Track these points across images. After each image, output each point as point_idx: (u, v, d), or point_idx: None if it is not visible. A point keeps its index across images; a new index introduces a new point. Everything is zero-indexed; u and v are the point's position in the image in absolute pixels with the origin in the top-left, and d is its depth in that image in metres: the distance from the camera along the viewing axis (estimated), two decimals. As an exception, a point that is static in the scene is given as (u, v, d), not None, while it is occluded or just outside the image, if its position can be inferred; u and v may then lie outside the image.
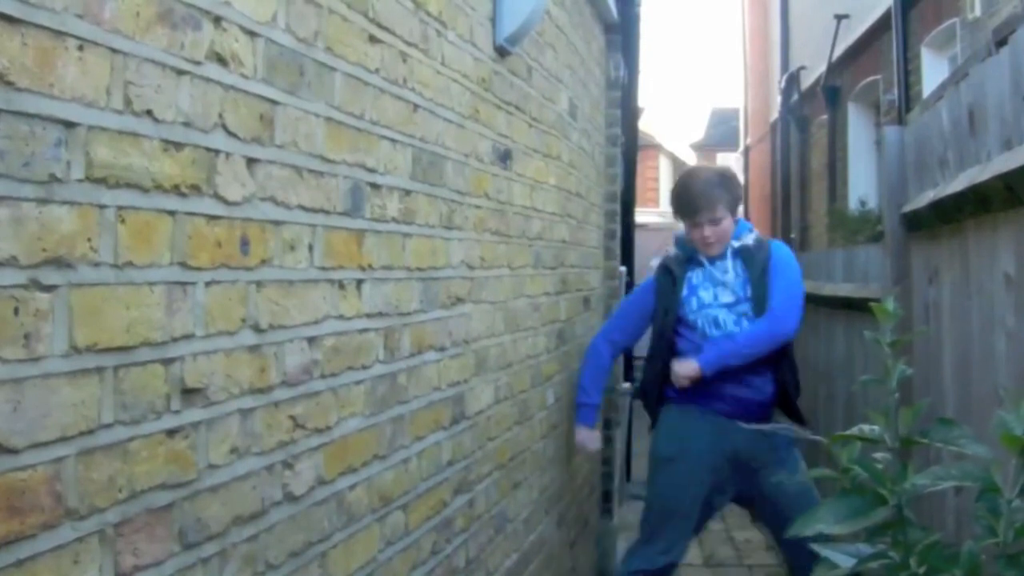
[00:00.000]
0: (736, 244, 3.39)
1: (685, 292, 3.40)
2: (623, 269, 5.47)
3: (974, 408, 2.33)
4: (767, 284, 3.31)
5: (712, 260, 3.40)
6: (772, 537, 3.55)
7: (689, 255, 3.45)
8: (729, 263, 3.38)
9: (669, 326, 3.41)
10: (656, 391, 3.48)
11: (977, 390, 2.33)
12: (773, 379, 3.37)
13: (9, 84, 1.03)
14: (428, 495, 2.26)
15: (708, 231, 3.35)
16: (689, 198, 3.39)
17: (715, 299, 3.36)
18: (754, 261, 3.35)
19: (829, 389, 5.09)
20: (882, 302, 1.67)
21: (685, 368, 3.32)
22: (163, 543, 1.29)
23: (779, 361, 3.36)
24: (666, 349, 3.42)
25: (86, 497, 1.14)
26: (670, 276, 3.45)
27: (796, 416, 3.44)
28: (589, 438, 3.66)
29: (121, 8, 1.19)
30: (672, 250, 3.56)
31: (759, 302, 3.30)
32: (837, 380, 4.89)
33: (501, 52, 2.80)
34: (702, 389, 3.35)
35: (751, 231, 3.46)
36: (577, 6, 4.09)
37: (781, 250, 3.43)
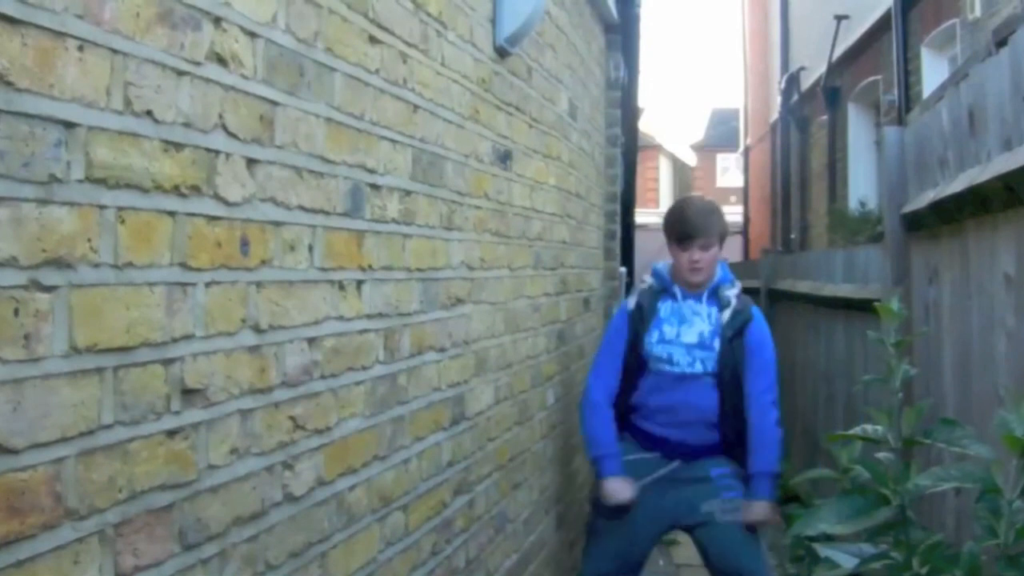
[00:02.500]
0: (716, 290, 3.38)
1: (651, 324, 3.39)
2: (623, 270, 5.47)
3: (974, 408, 2.33)
4: (742, 352, 3.31)
5: (686, 296, 3.40)
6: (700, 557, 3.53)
7: (664, 286, 3.45)
8: (704, 306, 3.37)
9: (633, 359, 3.41)
10: (617, 422, 3.47)
11: (977, 390, 2.33)
12: (718, 429, 3.36)
13: (9, 84, 1.03)
14: (428, 496, 2.26)
15: (698, 256, 3.34)
16: (687, 220, 3.39)
17: (677, 336, 3.35)
18: (734, 319, 3.34)
19: (829, 389, 5.09)
20: (884, 302, 1.67)
21: (759, 511, 3.28)
22: (163, 543, 1.29)
23: (724, 418, 3.34)
24: (629, 379, 3.41)
25: (86, 497, 1.14)
26: (640, 309, 3.44)
27: (737, 459, 3.41)
28: (622, 487, 3.39)
29: (121, 8, 1.19)
30: (648, 280, 3.54)
31: (724, 361, 3.29)
32: (837, 380, 4.89)
33: (501, 52, 2.80)
34: (642, 429, 3.36)
35: (734, 284, 3.45)
36: (577, 6, 4.09)
37: (760, 321, 3.41)
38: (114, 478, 1.19)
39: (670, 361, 3.32)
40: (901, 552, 1.46)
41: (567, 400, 3.77)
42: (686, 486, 3.32)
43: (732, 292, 3.40)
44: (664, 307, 3.40)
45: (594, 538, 3.45)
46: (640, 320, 3.40)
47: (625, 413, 3.41)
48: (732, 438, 3.35)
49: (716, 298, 3.38)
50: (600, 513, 3.40)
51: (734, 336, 3.32)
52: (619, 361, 3.47)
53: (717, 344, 3.31)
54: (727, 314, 3.35)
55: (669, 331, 3.36)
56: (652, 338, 3.36)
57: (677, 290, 3.40)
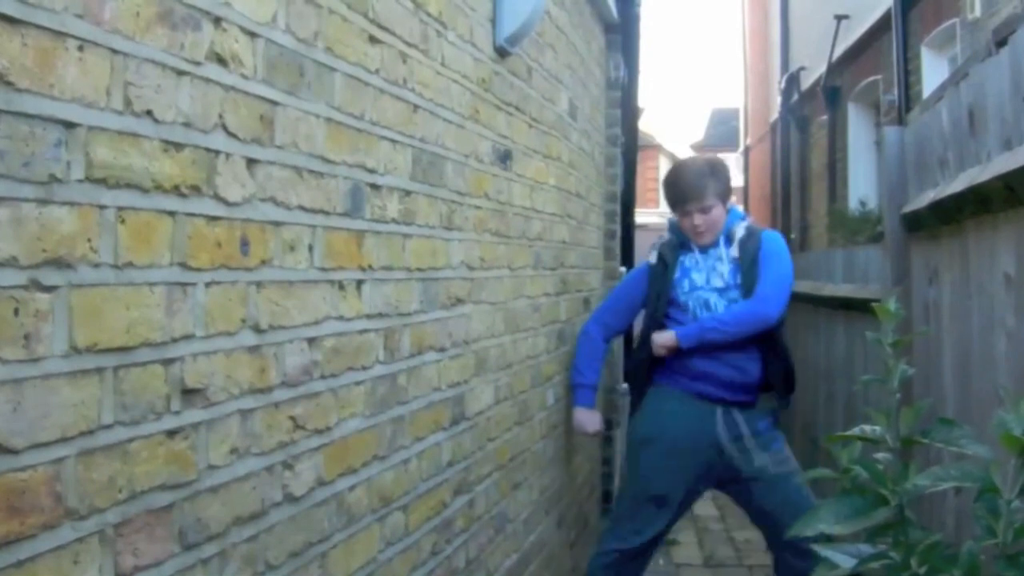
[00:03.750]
0: (728, 232, 3.41)
1: (678, 274, 3.43)
2: (623, 269, 5.47)
3: (974, 408, 2.33)
4: (756, 272, 3.33)
5: (705, 247, 3.42)
6: (751, 520, 3.55)
7: (682, 240, 3.48)
8: (722, 250, 3.42)
9: (661, 309, 3.44)
10: (644, 374, 3.49)
11: (977, 390, 2.33)
12: (760, 361, 3.37)
13: (9, 84, 1.03)
14: (428, 496, 2.26)
15: (698, 220, 3.38)
16: (679, 188, 3.42)
17: (707, 282, 3.40)
18: (745, 250, 3.38)
19: (829, 389, 5.09)
20: (883, 302, 1.67)
21: (662, 337, 3.35)
22: (163, 543, 1.29)
23: (766, 344, 3.37)
24: (656, 331, 3.44)
25: (86, 497, 1.14)
26: (663, 261, 3.47)
27: (782, 398, 3.44)
28: (588, 418, 3.62)
29: (121, 8, 1.19)
30: (666, 235, 3.57)
31: (748, 289, 3.33)
32: (837, 380, 4.89)
33: (501, 52, 2.80)
34: (686, 369, 3.36)
35: (743, 219, 3.48)
36: (577, 6, 4.09)
37: (772, 239, 3.45)
38: (114, 478, 1.19)
39: (707, 306, 3.37)
40: (900, 552, 1.46)
41: (567, 400, 3.78)
42: (735, 443, 3.35)
43: (741, 226, 3.42)
44: (687, 259, 3.45)
45: (629, 501, 3.44)
46: (664, 273, 3.45)
47: (662, 367, 3.43)
48: (773, 370, 3.38)
49: (729, 239, 3.43)
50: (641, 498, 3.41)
51: (752, 262, 3.35)
52: (628, 308, 3.61)
53: (739, 278, 3.36)
54: (737, 245, 3.38)
55: (698, 278, 3.42)
56: (683, 288, 3.41)
57: (693, 244, 3.42)
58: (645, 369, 3.48)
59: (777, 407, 3.45)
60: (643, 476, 3.40)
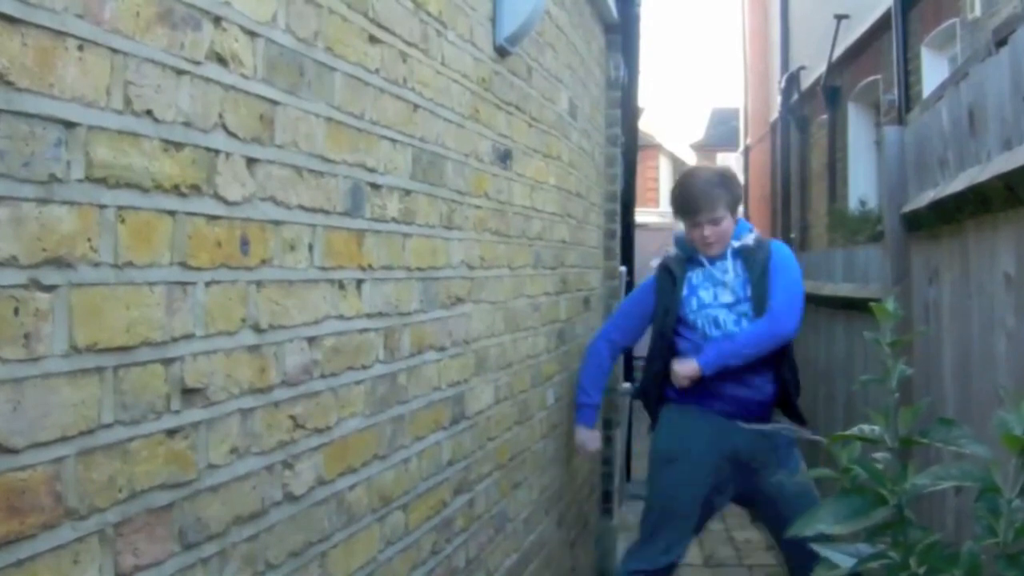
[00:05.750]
0: (736, 244, 3.39)
1: (685, 292, 3.39)
2: (623, 269, 5.47)
3: (974, 408, 2.33)
4: (767, 284, 3.30)
5: (712, 260, 3.40)
6: (772, 537, 3.55)
7: (689, 255, 3.45)
8: (729, 263, 3.37)
9: (669, 326, 3.40)
10: (656, 391, 3.47)
11: (977, 390, 2.33)
12: (773, 379, 3.36)
13: (9, 84, 1.03)
14: (428, 495, 2.26)
15: (708, 231, 3.34)
16: (689, 198, 3.38)
17: (715, 299, 3.36)
18: (754, 261, 3.34)
19: (829, 389, 5.09)
20: (882, 302, 1.67)
21: (685, 368, 3.32)
22: (163, 543, 1.29)
23: (779, 361, 3.36)
24: (666, 349, 3.42)
25: (86, 497, 1.14)
26: (670, 276, 3.44)
27: (796, 416, 3.43)
28: (589, 438, 3.65)
29: (121, 8, 1.19)
30: (672, 250, 3.55)
31: (759, 302, 3.29)
32: (837, 380, 4.89)
33: (501, 52, 2.80)
34: (702, 389, 3.34)
35: (751, 231, 3.45)
36: (577, 6, 4.09)
37: (781, 250, 3.42)
38: (114, 478, 1.19)
39: (716, 324, 3.33)
40: (899, 552, 1.46)
41: (567, 400, 3.78)
42: (754, 458, 3.33)
43: (750, 238, 3.40)
44: (694, 274, 3.41)
45: (657, 518, 3.42)
46: (671, 289, 3.41)
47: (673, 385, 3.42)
48: (787, 385, 3.37)
49: (738, 251, 3.39)
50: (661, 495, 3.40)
51: (761, 275, 3.32)
52: (635, 324, 3.58)
53: (750, 291, 3.32)
54: (746, 259, 3.36)
55: (706, 296, 3.38)
56: (692, 306, 3.37)
57: (702, 257, 3.40)
58: (658, 385, 3.46)
59: (792, 427, 3.42)
60: (670, 494, 3.37)
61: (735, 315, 3.33)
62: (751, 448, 3.33)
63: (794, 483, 3.28)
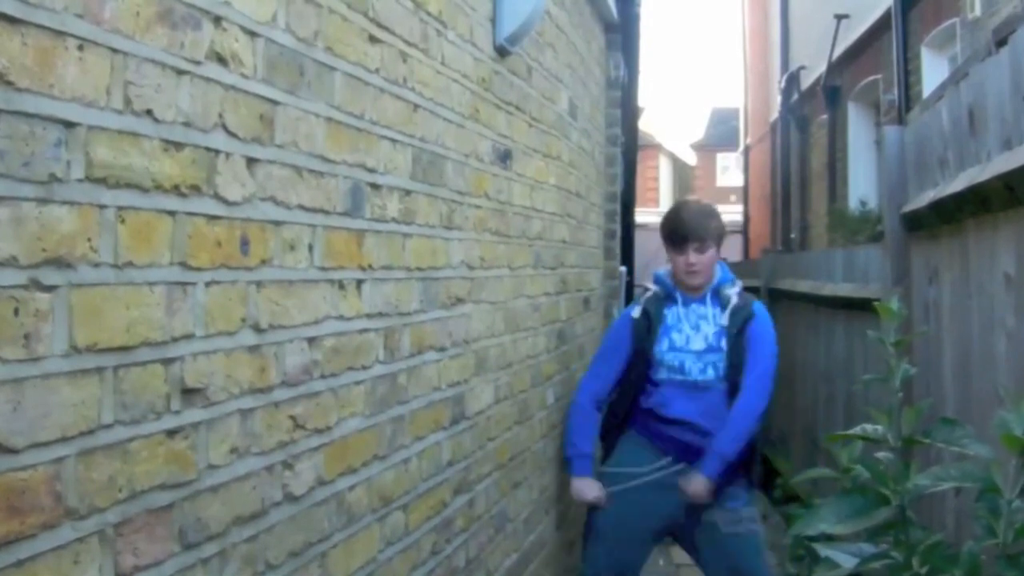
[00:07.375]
0: (718, 291, 3.40)
1: (659, 332, 3.41)
2: (623, 269, 5.48)
3: (974, 408, 2.33)
4: (744, 348, 3.32)
5: (689, 301, 3.41)
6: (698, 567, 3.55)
7: (668, 292, 3.46)
8: (708, 309, 3.40)
9: (640, 366, 3.43)
10: (618, 424, 3.49)
11: (977, 390, 2.33)
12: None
13: (9, 84, 1.02)
14: (428, 495, 2.26)
15: (694, 258, 3.36)
16: (680, 224, 3.43)
17: (687, 343, 3.37)
18: (735, 317, 3.36)
19: (829, 389, 5.09)
20: (884, 302, 1.67)
21: (697, 487, 3.26)
22: (163, 543, 1.29)
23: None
24: (634, 386, 3.44)
25: (86, 497, 1.14)
26: (647, 316, 3.45)
27: (747, 473, 3.42)
28: (588, 487, 3.50)
29: (121, 8, 1.19)
30: (652, 288, 3.55)
31: (733, 362, 3.31)
32: (837, 380, 4.89)
33: (501, 52, 2.79)
34: (658, 433, 3.38)
35: (734, 283, 3.46)
36: (577, 6, 4.09)
37: (763, 316, 3.41)
38: (114, 478, 1.19)
39: (681, 370, 3.36)
40: (901, 552, 1.46)
41: (567, 400, 3.77)
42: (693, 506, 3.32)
43: (733, 291, 3.42)
44: (670, 314, 3.43)
45: (593, 540, 3.46)
46: (647, 328, 3.42)
47: (636, 415, 3.44)
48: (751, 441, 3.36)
49: (718, 298, 3.40)
50: (595, 516, 3.42)
51: (738, 333, 3.34)
52: (613, 367, 3.54)
53: (724, 344, 3.34)
54: (728, 312, 3.36)
55: (678, 338, 3.39)
56: (662, 347, 3.40)
57: (679, 295, 3.42)
58: (620, 419, 3.48)
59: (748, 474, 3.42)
60: (610, 523, 3.40)
61: (702, 364, 3.34)
62: (693, 509, 3.32)
63: (729, 524, 3.28)
